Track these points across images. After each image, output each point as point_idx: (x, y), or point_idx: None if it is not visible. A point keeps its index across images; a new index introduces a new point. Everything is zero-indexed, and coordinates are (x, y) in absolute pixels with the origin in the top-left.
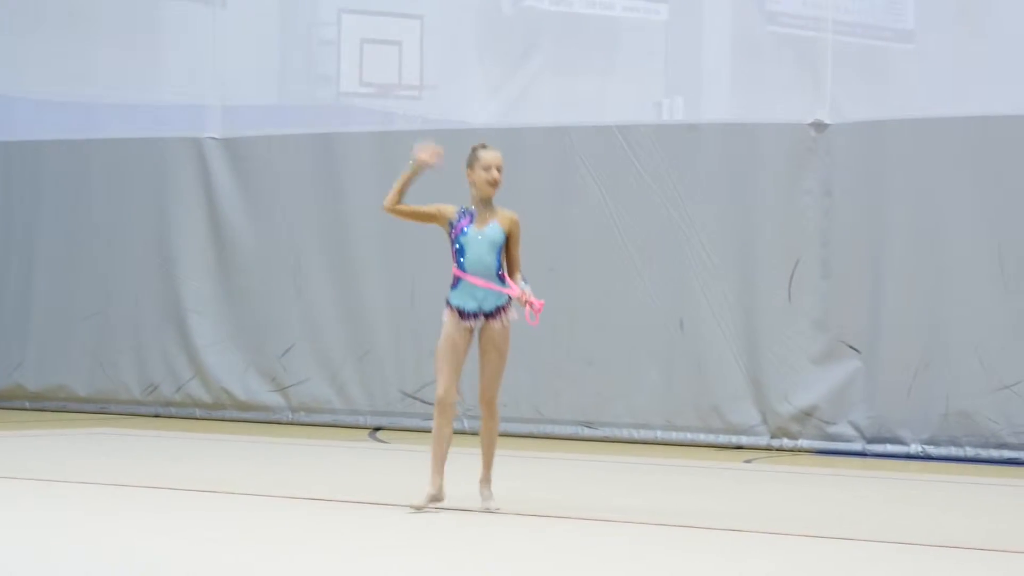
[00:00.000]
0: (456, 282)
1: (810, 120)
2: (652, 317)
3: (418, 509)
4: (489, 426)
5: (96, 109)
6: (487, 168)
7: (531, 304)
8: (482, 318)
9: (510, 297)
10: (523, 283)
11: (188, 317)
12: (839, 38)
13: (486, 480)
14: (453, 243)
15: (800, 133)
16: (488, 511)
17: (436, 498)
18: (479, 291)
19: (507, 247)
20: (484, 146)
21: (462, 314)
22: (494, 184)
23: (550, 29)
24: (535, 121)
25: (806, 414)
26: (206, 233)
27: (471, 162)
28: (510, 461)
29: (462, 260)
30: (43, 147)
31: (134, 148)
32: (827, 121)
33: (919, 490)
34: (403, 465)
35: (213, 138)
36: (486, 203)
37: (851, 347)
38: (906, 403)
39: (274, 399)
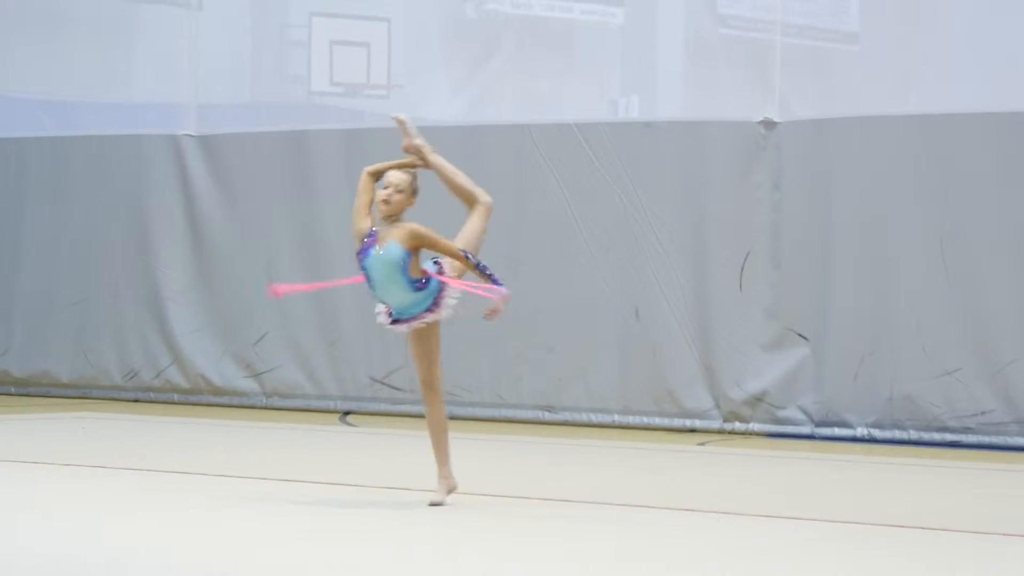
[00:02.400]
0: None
1: (760, 118)
2: (609, 306)
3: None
4: (431, 411)
5: (76, 107)
6: (385, 187)
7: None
8: (403, 324)
9: (431, 307)
10: (478, 268)
11: (166, 306)
12: (787, 40)
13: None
14: (360, 267)
15: (750, 130)
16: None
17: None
18: (396, 307)
19: (431, 250)
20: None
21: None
22: (383, 203)
23: (511, 31)
24: (497, 119)
25: (757, 399)
26: (183, 225)
27: None
28: (472, 444)
29: (371, 285)
30: (25, 144)
31: (113, 145)
32: (776, 119)
33: (865, 471)
34: (372, 446)
35: (189, 135)
36: (388, 222)
37: (800, 335)
38: (852, 388)
39: (248, 384)
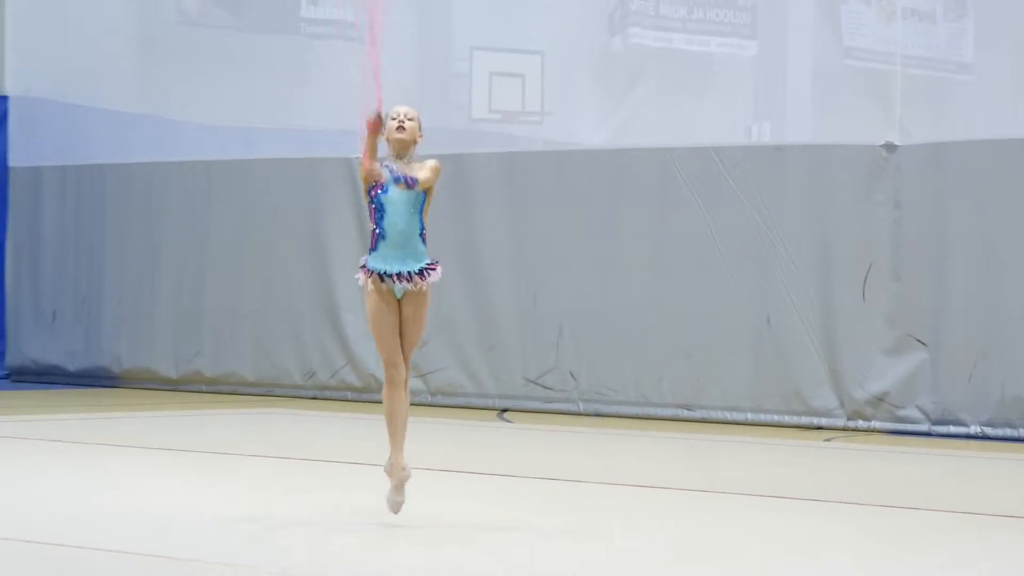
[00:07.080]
0: (375, 245)
1: (882, 142)
2: (743, 314)
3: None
4: (401, 396)
5: (258, 133)
6: (394, 117)
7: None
8: (405, 280)
9: (434, 262)
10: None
11: (341, 314)
12: (907, 70)
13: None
14: (372, 201)
15: (873, 153)
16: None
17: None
18: (401, 252)
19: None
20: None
21: (383, 277)
22: (399, 129)
23: (654, 63)
24: (641, 143)
25: (878, 399)
26: (355, 240)
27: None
28: (618, 440)
29: (381, 223)
30: (213, 166)
31: (292, 167)
32: (897, 143)
33: (978, 467)
34: (527, 441)
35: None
36: (402, 158)
37: (918, 340)
38: (967, 390)
39: (415, 384)
